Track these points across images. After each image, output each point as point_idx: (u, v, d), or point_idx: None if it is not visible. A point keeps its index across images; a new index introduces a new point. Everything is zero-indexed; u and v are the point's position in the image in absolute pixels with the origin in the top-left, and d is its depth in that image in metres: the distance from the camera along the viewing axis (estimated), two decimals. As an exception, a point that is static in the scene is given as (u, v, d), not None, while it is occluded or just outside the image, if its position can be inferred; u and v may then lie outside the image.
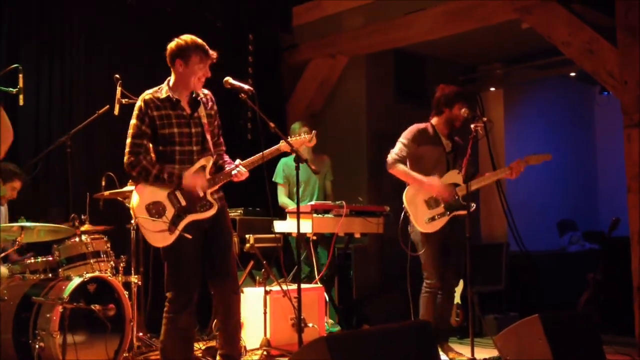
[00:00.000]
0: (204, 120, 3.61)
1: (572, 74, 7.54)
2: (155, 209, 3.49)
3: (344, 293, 5.80)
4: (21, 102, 3.90)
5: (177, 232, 3.47)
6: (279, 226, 5.13)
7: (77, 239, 4.38)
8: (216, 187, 3.64)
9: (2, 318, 3.94)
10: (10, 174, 4.52)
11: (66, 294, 3.89)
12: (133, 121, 3.54)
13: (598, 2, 5.31)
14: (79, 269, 4.28)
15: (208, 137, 3.61)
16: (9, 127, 2.80)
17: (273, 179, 5.85)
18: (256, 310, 4.72)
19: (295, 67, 7.18)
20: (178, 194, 3.54)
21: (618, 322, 5.28)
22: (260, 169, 3.75)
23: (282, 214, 5.39)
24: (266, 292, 4.67)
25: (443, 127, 4.67)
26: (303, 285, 4.10)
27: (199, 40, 3.54)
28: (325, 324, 5.16)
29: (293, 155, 3.81)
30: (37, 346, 3.83)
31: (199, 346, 4.59)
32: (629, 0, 4.82)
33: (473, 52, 7.40)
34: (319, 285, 5.21)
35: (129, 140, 3.53)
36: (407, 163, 4.61)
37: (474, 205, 4.35)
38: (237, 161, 3.69)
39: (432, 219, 4.49)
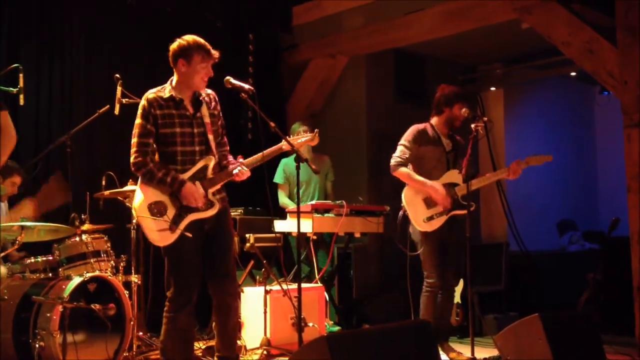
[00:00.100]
0: (207, 120, 3.61)
1: (572, 74, 7.53)
2: (157, 208, 3.50)
3: (344, 292, 5.81)
4: (21, 102, 3.90)
5: (178, 232, 3.48)
6: (279, 226, 5.13)
7: (77, 239, 4.38)
8: (217, 187, 3.64)
9: (2, 317, 3.94)
10: (9, 169, 4.52)
11: (66, 293, 3.89)
12: (138, 120, 3.55)
13: (598, 2, 5.31)
14: (79, 269, 4.28)
15: (211, 137, 3.61)
16: (13, 133, 2.82)
17: (273, 180, 5.86)
18: (256, 309, 4.73)
19: (295, 67, 7.18)
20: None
21: (618, 322, 5.28)
22: (261, 169, 3.75)
23: (282, 214, 5.40)
24: (266, 292, 4.68)
25: (443, 126, 4.67)
26: (303, 285, 4.10)
27: (201, 40, 3.55)
28: (326, 324, 5.16)
29: (293, 156, 3.81)
30: (37, 345, 3.83)
31: (199, 346, 4.59)
32: (629, 0, 4.82)
33: (473, 52, 7.40)
34: (319, 284, 5.22)
35: (135, 140, 3.53)
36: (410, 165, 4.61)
37: (473, 205, 4.36)
38: (239, 159, 3.69)
39: (431, 218, 4.50)
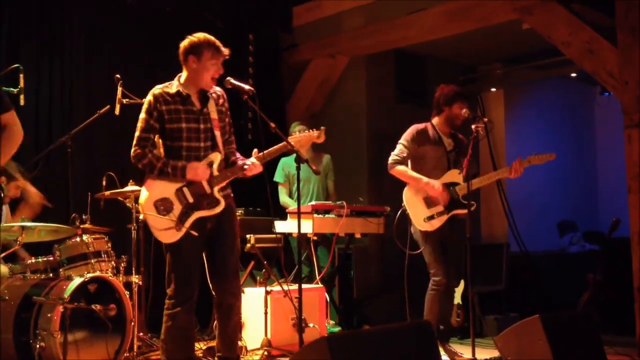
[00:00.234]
0: (214, 116, 3.63)
1: (573, 75, 7.54)
2: (163, 206, 3.52)
3: (345, 293, 5.81)
4: (22, 102, 3.90)
5: (184, 229, 3.49)
6: (280, 226, 5.13)
7: (78, 239, 4.38)
8: (224, 183, 3.64)
9: (2, 318, 3.93)
10: (14, 172, 4.52)
11: (67, 293, 3.89)
12: (142, 115, 3.58)
13: (598, 2, 5.31)
14: (80, 269, 4.28)
15: (217, 133, 3.62)
16: (21, 131, 2.84)
17: (274, 179, 5.86)
18: (257, 310, 4.73)
19: (295, 67, 7.18)
20: (185, 190, 3.55)
21: (618, 323, 5.28)
22: (261, 169, 3.74)
23: (282, 214, 5.40)
24: (267, 292, 4.68)
25: (444, 126, 4.67)
26: (304, 286, 4.10)
27: (211, 38, 3.58)
28: (327, 324, 5.16)
29: (293, 155, 3.80)
30: (37, 346, 3.83)
31: (199, 346, 4.59)
32: (629, 0, 4.82)
33: (473, 52, 7.40)
34: (320, 285, 5.22)
35: (137, 134, 3.57)
36: (409, 164, 4.62)
37: (474, 205, 4.36)
38: (254, 153, 3.67)
39: (431, 217, 4.50)
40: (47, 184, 5.21)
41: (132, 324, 4.21)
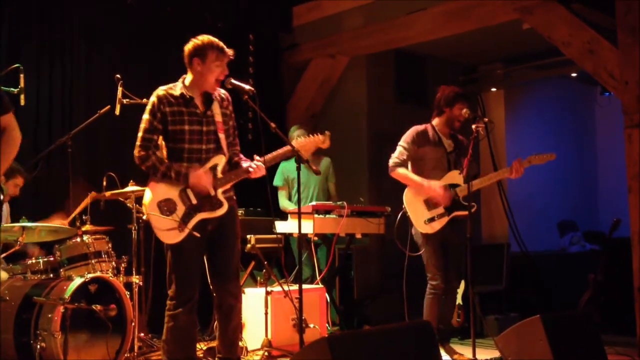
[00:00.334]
0: (218, 119, 3.62)
1: (573, 75, 7.54)
2: (166, 207, 3.51)
3: (345, 293, 5.80)
4: (22, 102, 3.90)
5: (186, 231, 3.49)
6: (280, 227, 5.13)
7: (78, 239, 4.38)
8: (228, 186, 3.64)
9: (3, 318, 3.94)
10: (12, 170, 4.52)
11: (67, 294, 3.89)
12: (145, 116, 3.57)
13: (598, 2, 5.31)
14: (81, 269, 4.28)
15: (222, 135, 3.62)
16: (19, 134, 2.84)
17: (273, 183, 5.85)
18: (257, 310, 4.73)
19: (295, 67, 7.18)
20: (189, 192, 3.55)
21: (618, 323, 5.28)
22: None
23: (283, 215, 5.39)
24: (267, 293, 4.67)
25: (444, 127, 4.66)
26: (304, 286, 4.09)
27: (215, 39, 3.58)
28: (327, 325, 5.16)
29: (293, 158, 3.79)
30: (38, 346, 3.83)
31: (200, 347, 4.59)
32: (629, 0, 4.82)
33: (474, 52, 7.40)
34: (320, 285, 5.21)
35: (140, 135, 3.56)
36: (409, 165, 4.61)
37: (474, 206, 4.35)
38: (255, 158, 3.68)
39: (432, 219, 4.49)
40: (47, 184, 5.22)
41: (133, 324, 4.21)
